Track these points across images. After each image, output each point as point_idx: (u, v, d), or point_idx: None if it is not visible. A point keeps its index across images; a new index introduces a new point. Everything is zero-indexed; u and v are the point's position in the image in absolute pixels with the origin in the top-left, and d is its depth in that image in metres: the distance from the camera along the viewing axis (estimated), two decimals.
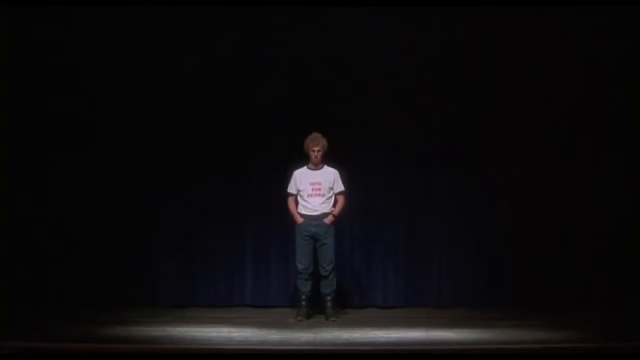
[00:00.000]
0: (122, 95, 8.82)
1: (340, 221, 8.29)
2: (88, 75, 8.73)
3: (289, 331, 7.51)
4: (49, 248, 8.61)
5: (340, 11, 8.55)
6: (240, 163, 8.90)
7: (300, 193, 8.15)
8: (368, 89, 8.87)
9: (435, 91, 8.83)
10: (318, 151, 8.08)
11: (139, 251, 8.80)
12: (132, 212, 8.79)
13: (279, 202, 8.34)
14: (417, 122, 8.89)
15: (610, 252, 8.54)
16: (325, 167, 8.17)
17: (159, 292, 8.88)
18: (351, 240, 8.99)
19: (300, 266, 8.10)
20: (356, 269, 9.02)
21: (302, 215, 8.11)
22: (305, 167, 8.18)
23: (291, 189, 8.20)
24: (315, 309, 8.19)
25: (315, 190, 8.10)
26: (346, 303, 8.73)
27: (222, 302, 8.87)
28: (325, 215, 8.07)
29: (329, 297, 8.11)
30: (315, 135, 8.11)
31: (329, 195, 8.12)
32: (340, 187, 8.16)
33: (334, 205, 8.15)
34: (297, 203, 8.18)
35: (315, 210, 8.07)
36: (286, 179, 8.22)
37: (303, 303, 8.10)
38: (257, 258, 8.97)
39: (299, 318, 8.04)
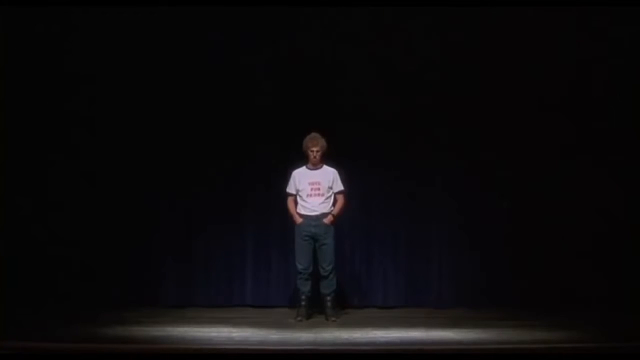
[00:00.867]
0: (122, 95, 8.83)
1: (341, 221, 8.29)
2: (88, 75, 8.73)
3: (289, 331, 7.51)
4: (49, 248, 8.61)
5: (340, 11, 8.55)
6: (240, 163, 8.89)
7: (300, 193, 8.14)
8: (368, 89, 8.86)
9: (435, 91, 8.83)
10: (317, 151, 8.07)
11: (139, 251, 8.80)
12: (132, 212, 8.79)
13: (279, 202, 8.34)
14: (418, 122, 8.89)
15: (610, 252, 8.55)
16: (325, 166, 8.17)
17: (159, 292, 8.87)
18: (351, 240, 8.98)
19: (299, 266, 8.09)
20: (356, 269, 9.02)
21: (302, 216, 8.10)
22: (304, 167, 8.18)
23: (290, 189, 8.19)
24: (315, 309, 8.19)
25: (315, 190, 8.09)
26: (346, 303, 8.73)
27: (222, 302, 8.87)
28: (324, 215, 8.07)
29: (328, 297, 8.10)
30: (314, 135, 8.10)
31: (328, 195, 8.11)
32: (339, 186, 8.15)
33: (334, 204, 8.14)
34: (296, 203, 8.18)
35: (315, 211, 8.06)
36: (286, 179, 8.22)
37: (303, 303, 8.10)
38: (257, 258, 8.97)
39: (299, 318, 8.03)
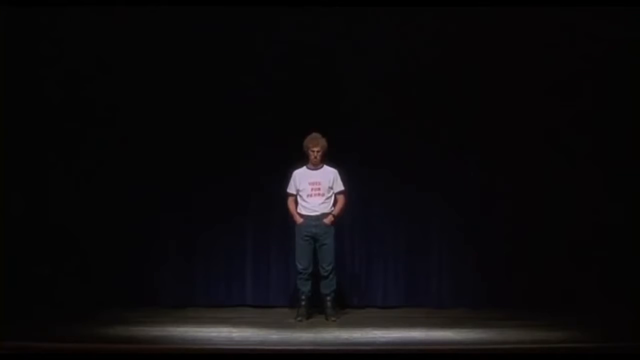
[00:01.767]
0: (121, 96, 8.82)
1: (341, 221, 8.29)
2: (88, 76, 8.73)
3: (289, 331, 7.51)
4: (49, 248, 8.61)
5: (341, 11, 8.55)
6: (240, 163, 8.88)
7: (300, 193, 8.14)
8: (369, 89, 8.86)
9: (436, 92, 8.83)
10: (317, 151, 8.07)
11: (139, 251, 8.80)
12: (132, 212, 8.79)
13: (279, 203, 8.34)
14: (418, 122, 8.88)
15: (610, 252, 8.55)
16: (325, 166, 8.16)
17: (159, 292, 8.87)
18: (351, 241, 8.99)
19: (299, 266, 8.09)
20: (356, 269, 9.02)
21: (302, 216, 8.10)
22: (304, 167, 8.18)
23: (290, 189, 8.19)
24: (315, 309, 8.19)
25: (315, 190, 8.09)
26: (346, 303, 8.73)
27: (222, 302, 8.87)
28: (325, 215, 8.07)
29: (328, 297, 8.10)
30: (315, 135, 8.10)
31: (329, 195, 8.11)
32: (340, 186, 8.15)
33: (334, 205, 8.14)
34: (296, 203, 8.18)
35: (315, 211, 8.06)
36: (286, 178, 8.22)
37: (303, 303, 8.10)
38: (257, 258, 8.97)
39: (299, 318, 8.03)
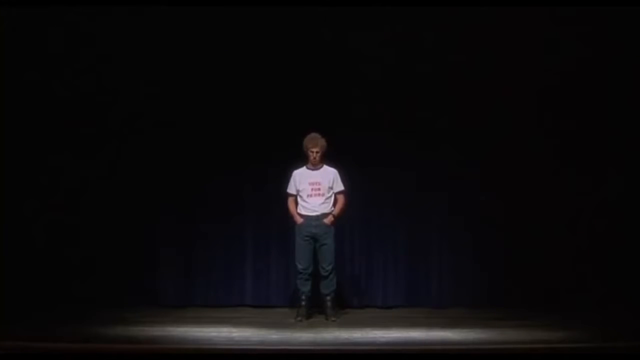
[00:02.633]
0: (121, 96, 8.82)
1: (341, 221, 8.29)
2: (88, 76, 8.73)
3: (289, 331, 7.51)
4: (49, 248, 8.61)
5: (341, 11, 8.55)
6: (240, 163, 8.89)
7: (300, 193, 8.13)
8: (369, 89, 8.86)
9: (436, 92, 8.83)
10: (317, 152, 8.05)
11: (139, 251, 8.81)
12: (132, 212, 8.80)
13: (279, 202, 8.34)
14: (418, 123, 8.88)
15: (610, 252, 8.55)
16: (325, 166, 8.16)
17: (159, 292, 8.88)
18: (351, 241, 8.99)
19: (299, 266, 8.09)
20: (356, 269, 9.03)
21: (302, 216, 8.09)
22: (304, 167, 8.17)
23: (290, 189, 8.19)
24: (315, 309, 8.19)
25: (315, 190, 8.08)
26: (346, 303, 8.73)
27: (222, 302, 8.87)
28: (325, 215, 8.06)
29: (328, 297, 8.10)
30: (314, 135, 8.09)
31: (329, 195, 8.10)
32: (340, 186, 8.14)
33: (334, 205, 8.14)
34: (296, 203, 8.17)
35: (315, 211, 8.06)
36: (286, 178, 8.22)
37: (303, 303, 8.10)
38: (257, 258, 8.98)
39: (299, 318, 8.03)
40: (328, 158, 8.16)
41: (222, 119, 8.90)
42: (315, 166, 8.12)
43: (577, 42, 8.57)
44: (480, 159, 8.83)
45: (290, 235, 8.22)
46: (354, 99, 8.84)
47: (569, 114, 8.67)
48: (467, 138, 8.83)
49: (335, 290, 8.16)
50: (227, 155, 8.88)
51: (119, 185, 8.81)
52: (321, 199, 8.07)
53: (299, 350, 6.67)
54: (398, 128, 8.87)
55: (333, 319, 8.03)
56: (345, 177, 8.18)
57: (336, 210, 8.12)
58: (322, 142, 8.07)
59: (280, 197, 8.30)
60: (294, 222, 8.14)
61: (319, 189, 8.08)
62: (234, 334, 7.35)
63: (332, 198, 8.13)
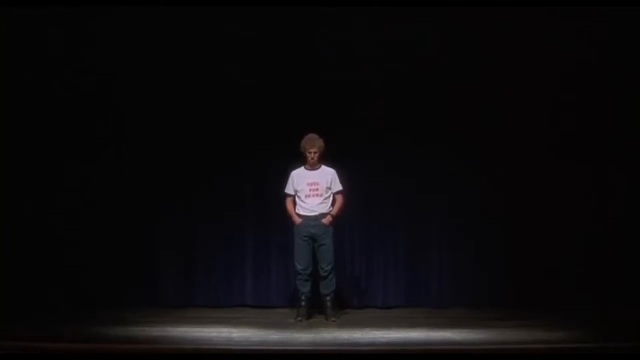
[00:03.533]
0: (122, 96, 8.83)
1: (341, 221, 8.28)
2: (88, 76, 8.73)
3: (289, 331, 7.51)
4: (49, 248, 8.61)
5: (341, 11, 8.55)
6: (239, 163, 8.89)
7: (298, 194, 8.12)
8: (368, 89, 8.86)
9: (436, 92, 8.83)
10: (314, 152, 8.04)
11: (139, 251, 8.81)
12: (132, 212, 8.80)
13: (279, 202, 8.35)
14: (418, 122, 8.88)
15: (610, 253, 8.55)
16: (323, 167, 8.15)
17: (159, 292, 8.88)
18: (351, 241, 8.99)
19: (299, 267, 8.08)
20: (356, 269, 9.02)
21: (300, 216, 8.08)
22: (302, 168, 8.16)
23: (288, 189, 8.18)
24: (314, 309, 8.18)
25: (313, 190, 8.08)
26: (346, 303, 8.73)
27: (222, 302, 8.88)
28: (323, 215, 8.06)
29: (328, 298, 8.10)
30: (312, 136, 8.08)
31: (327, 195, 8.09)
32: (338, 186, 8.14)
33: (333, 205, 8.13)
34: (295, 203, 8.17)
35: (314, 211, 8.05)
36: (286, 179, 8.21)
37: (302, 303, 8.09)
38: (257, 258, 8.98)
39: (299, 318, 8.03)
40: (328, 158, 8.15)
41: (222, 119, 8.90)
42: (313, 167, 8.11)
43: (577, 41, 8.56)
44: (481, 159, 8.82)
45: (290, 235, 8.22)
46: (354, 99, 8.83)
47: (569, 114, 8.66)
48: (468, 138, 8.82)
49: (335, 290, 8.16)
50: (227, 155, 8.88)
51: (119, 185, 8.81)
52: (319, 199, 8.07)
53: (299, 350, 6.67)
54: (398, 128, 8.87)
55: (333, 319, 8.03)
56: (344, 177, 8.17)
57: (334, 210, 8.11)
58: (319, 142, 8.06)
59: (280, 197, 8.30)
60: (292, 223, 8.13)
61: (317, 189, 8.08)
62: (234, 334, 7.35)
63: (331, 198, 8.13)
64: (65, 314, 8.02)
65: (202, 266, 8.97)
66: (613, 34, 8.50)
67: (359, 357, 6.57)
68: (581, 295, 8.50)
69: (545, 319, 7.86)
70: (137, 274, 8.76)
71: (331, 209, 8.11)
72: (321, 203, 8.07)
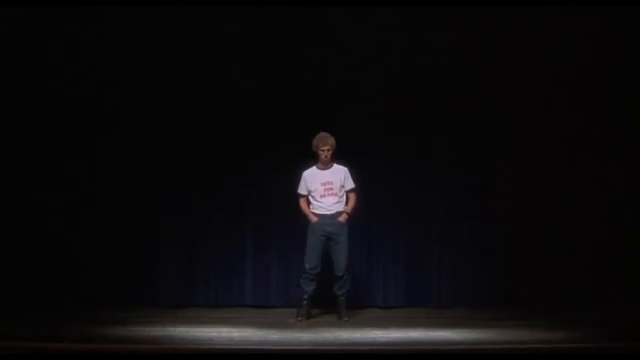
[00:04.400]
0: (122, 96, 8.82)
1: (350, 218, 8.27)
2: (89, 76, 8.73)
3: (289, 331, 7.51)
4: (49, 248, 8.61)
5: (341, 11, 8.55)
6: (240, 163, 8.88)
7: (312, 194, 8.10)
8: (369, 89, 8.85)
9: (436, 92, 8.82)
10: (327, 150, 8.03)
11: (139, 251, 8.80)
12: (132, 212, 8.79)
13: (279, 203, 8.35)
14: (418, 122, 8.89)
15: (610, 252, 8.55)
16: (335, 165, 8.14)
17: (159, 292, 8.88)
18: (351, 241, 8.93)
19: (307, 265, 8.05)
20: (356, 269, 9.00)
21: (316, 215, 8.07)
22: (314, 167, 8.15)
23: (302, 190, 8.15)
24: (316, 309, 8.19)
25: (328, 190, 8.06)
26: (346, 303, 8.70)
27: (222, 302, 8.87)
28: (339, 213, 8.06)
29: (342, 298, 8.10)
30: (324, 134, 8.07)
31: (341, 193, 8.09)
32: (350, 184, 8.13)
33: (347, 203, 8.13)
34: (308, 203, 8.15)
35: (330, 210, 8.04)
36: (286, 179, 8.22)
37: (304, 303, 8.08)
38: (257, 258, 8.97)
39: (299, 318, 8.03)
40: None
41: (221, 120, 8.89)
42: (326, 165, 8.10)
43: (581, 40, 8.55)
44: (481, 159, 8.83)
45: (291, 235, 8.23)
46: (355, 99, 8.82)
47: (570, 114, 8.66)
48: (468, 138, 8.82)
49: (350, 289, 8.14)
50: (227, 155, 8.88)
51: (119, 185, 8.80)
52: (335, 199, 8.06)
53: (299, 350, 6.67)
54: (398, 128, 8.86)
55: (346, 318, 8.04)
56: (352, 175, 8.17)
57: (349, 208, 8.12)
58: (331, 140, 8.05)
59: (280, 197, 8.31)
60: (307, 222, 8.11)
61: (332, 189, 8.07)
62: (234, 334, 7.35)
63: (344, 196, 8.12)
64: (66, 314, 8.01)
65: (202, 266, 8.96)
66: (615, 33, 8.50)
67: (359, 357, 6.56)
68: (581, 296, 8.50)
69: (545, 319, 7.86)
70: (137, 274, 8.76)
71: (346, 207, 8.11)
72: (337, 202, 8.07)
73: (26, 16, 8.37)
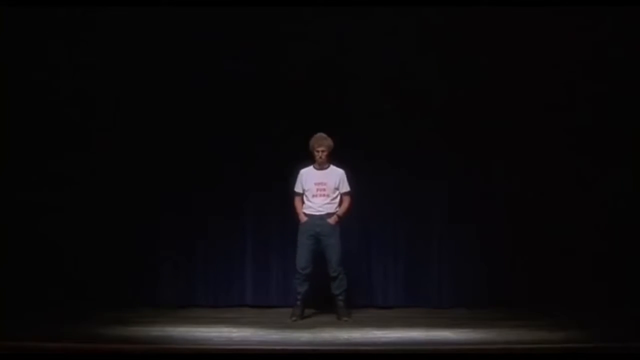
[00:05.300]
0: (122, 95, 8.84)
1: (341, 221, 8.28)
2: (89, 76, 8.73)
3: (289, 331, 7.51)
4: (49, 248, 8.61)
5: (341, 11, 8.54)
6: (240, 163, 8.89)
7: (305, 193, 8.12)
8: (370, 89, 8.85)
9: (436, 92, 8.82)
10: (322, 151, 8.04)
11: (139, 251, 8.80)
12: (132, 212, 8.80)
13: (279, 203, 8.35)
14: (418, 122, 8.88)
15: (610, 252, 8.55)
16: (332, 167, 8.15)
17: (159, 292, 8.87)
18: (351, 241, 8.95)
19: (298, 266, 8.08)
20: (356, 269, 8.99)
21: (307, 215, 8.08)
22: (311, 167, 8.16)
23: (297, 187, 8.17)
24: (310, 309, 8.20)
25: (320, 190, 8.08)
26: (346, 303, 8.71)
27: (222, 302, 8.87)
28: (329, 215, 8.06)
29: (340, 298, 8.10)
30: (320, 135, 8.08)
31: (334, 195, 8.09)
32: (345, 187, 8.13)
33: (340, 205, 8.13)
34: (303, 202, 8.16)
35: (319, 211, 8.05)
36: (286, 179, 8.22)
37: (298, 303, 8.10)
38: (257, 258, 8.97)
39: (293, 318, 8.03)
40: (332, 158, 8.14)
41: (222, 119, 8.89)
42: (322, 166, 8.11)
43: (581, 39, 8.55)
44: (481, 159, 8.82)
45: (290, 235, 8.22)
46: (356, 99, 8.83)
47: (569, 114, 8.66)
48: (468, 138, 8.81)
49: (347, 289, 8.14)
50: (227, 155, 8.88)
51: (119, 185, 8.81)
52: (326, 200, 8.07)
53: (299, 350, 6.67)
54: (398, 128, 8.87)
55: (345, 318, 8.03)
56: (348, 177, 8.16)
57: (341, 211, 8.11)
58: (328, 142, 8.05)
59: (280, 197, 8.31)
60: (298, 221, 8.12)
61: (324, 190, 8.08)
62: (234, 334, 7.35)
63: (338, 198, 8.12)
64: (65, 314, 8.01)
65: (202, 266, 8.96)
66: (615, 33, 8.50)
67: (358, 357, 6.56)
68: (581, 296, 8.49)
69: (545, 319, 7.86)
70: (136, 274, 8.76)
71: (338, 209, 8.10)
72: (328, 203, 8.07)
73: (26, 16, 8.37)
